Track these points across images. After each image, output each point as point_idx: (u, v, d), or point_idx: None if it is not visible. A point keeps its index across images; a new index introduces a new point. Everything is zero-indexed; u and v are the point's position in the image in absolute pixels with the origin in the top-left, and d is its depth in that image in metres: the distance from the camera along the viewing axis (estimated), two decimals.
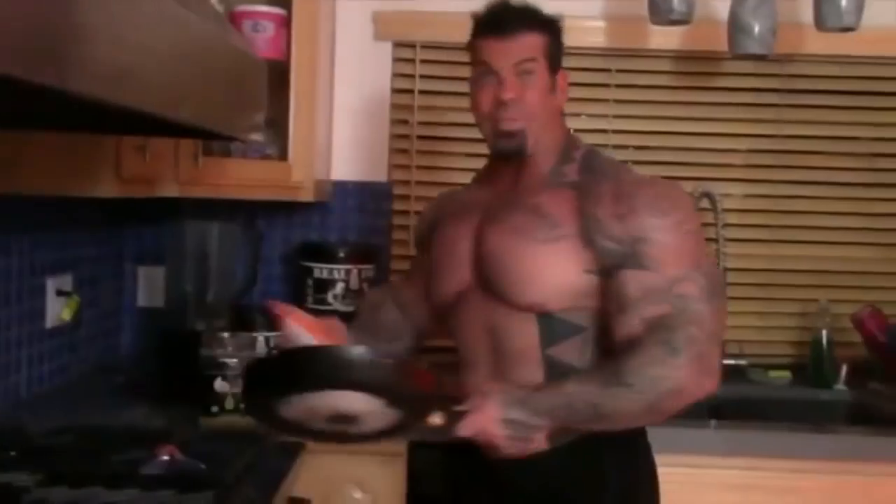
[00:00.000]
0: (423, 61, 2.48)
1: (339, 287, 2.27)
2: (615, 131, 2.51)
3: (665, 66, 2.50)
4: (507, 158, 1.51)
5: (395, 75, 2.50)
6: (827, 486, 1.89)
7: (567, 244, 1.41)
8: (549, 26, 1.49)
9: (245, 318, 2.10)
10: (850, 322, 2.36)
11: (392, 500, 1.89)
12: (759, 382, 2.35)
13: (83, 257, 2.18)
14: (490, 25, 1.47)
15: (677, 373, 1.32)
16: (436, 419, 1.33)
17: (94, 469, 1.39)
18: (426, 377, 1.35)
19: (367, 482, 1.88)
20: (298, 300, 2.31)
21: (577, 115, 2.49)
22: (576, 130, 2.49)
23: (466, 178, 2.44)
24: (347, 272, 2.28)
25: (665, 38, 2.40)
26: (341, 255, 2.29)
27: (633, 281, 1.36)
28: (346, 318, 2.22)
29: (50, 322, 2.00)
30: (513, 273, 1.44)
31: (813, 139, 2.52)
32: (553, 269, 1.41)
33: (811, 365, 2.35)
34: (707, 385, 1.35)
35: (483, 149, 1.61)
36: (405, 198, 2.51)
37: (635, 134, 2.52)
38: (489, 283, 1.48)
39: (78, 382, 2.13)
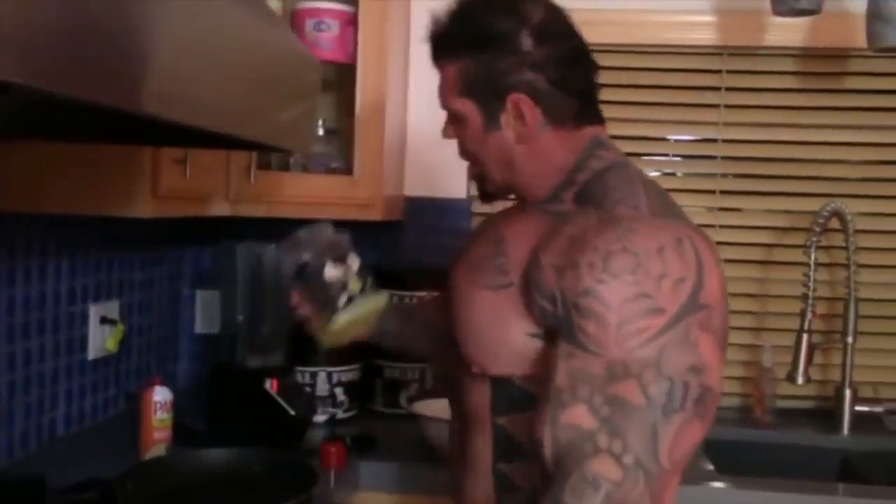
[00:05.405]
0: None
1: None
2: (726, 141, 2.21)
3: (787, 65, 2.17)
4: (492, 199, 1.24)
5: None
6: None
7: (510, 296, 1.07)
8: (472, 45, 1.13)
9: (301, 352, 1.88)
10: None
11: None
12: None
13: (133, 281, 2.00)
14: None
15: None
16: None
17: None
18: None
19: None
20: None
21: (682, 122, 2.20)
22: (681, 142, 2.22)
23: None
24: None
25: (787, 32, 2.09)
26: (416, 281, 2.03)
27: (562, 361, 0.98)
28: None
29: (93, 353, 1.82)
30: (455, 318, 1.17)
31: None
32: (492, 325, 1.09)
33: None
34: None
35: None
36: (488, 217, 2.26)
37: (750, 144, 2.21)
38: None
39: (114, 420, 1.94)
